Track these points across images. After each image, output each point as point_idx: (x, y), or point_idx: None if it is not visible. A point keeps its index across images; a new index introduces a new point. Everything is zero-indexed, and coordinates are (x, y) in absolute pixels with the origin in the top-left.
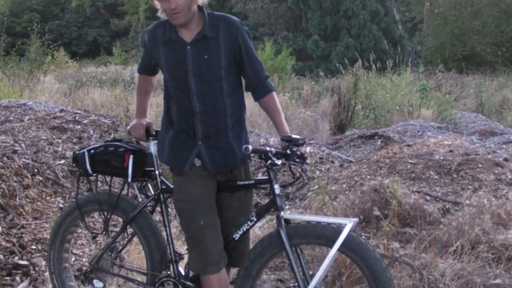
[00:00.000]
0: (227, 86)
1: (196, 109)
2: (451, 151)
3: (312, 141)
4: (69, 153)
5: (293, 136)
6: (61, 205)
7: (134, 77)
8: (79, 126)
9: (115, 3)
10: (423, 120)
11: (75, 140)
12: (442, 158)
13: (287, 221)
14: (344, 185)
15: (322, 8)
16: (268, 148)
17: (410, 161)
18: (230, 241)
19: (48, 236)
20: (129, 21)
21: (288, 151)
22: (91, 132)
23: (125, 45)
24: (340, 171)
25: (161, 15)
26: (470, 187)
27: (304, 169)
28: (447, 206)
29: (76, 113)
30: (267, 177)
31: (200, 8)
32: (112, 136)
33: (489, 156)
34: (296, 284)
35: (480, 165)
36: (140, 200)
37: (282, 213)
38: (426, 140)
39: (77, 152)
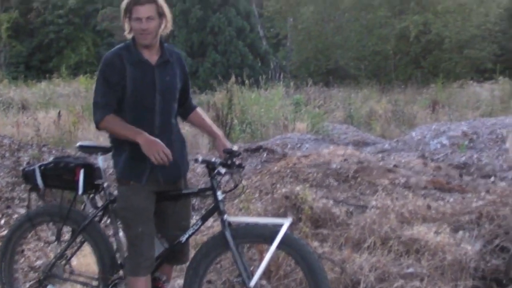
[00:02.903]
0: (176, 106)
1: (156, 124)
2: (345, 160)
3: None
4: None
5: (233, 148)
6: None
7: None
8: None
9: None
10: (299, 133)
11: None
12: (339, 166)
13: (228, 223)
14: (250, 195)
15: (188, 25)
16: (214, 159)
17: (310, 170)
18: (177, 244)
19: None
20: None
21: (229, 162)
22: None
23: None
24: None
25: (128, 35)
26: (368, 191)
27: (241, 177)
28: (351, 210)
29: None
30: (209, 186)
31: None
32: (19, 155)
33: (381, 164)
34: (241, 278)
35: (374, 172)
36: (90, 211)
37: (225, 216)
38: (321, 151)
39: (26, 169)
